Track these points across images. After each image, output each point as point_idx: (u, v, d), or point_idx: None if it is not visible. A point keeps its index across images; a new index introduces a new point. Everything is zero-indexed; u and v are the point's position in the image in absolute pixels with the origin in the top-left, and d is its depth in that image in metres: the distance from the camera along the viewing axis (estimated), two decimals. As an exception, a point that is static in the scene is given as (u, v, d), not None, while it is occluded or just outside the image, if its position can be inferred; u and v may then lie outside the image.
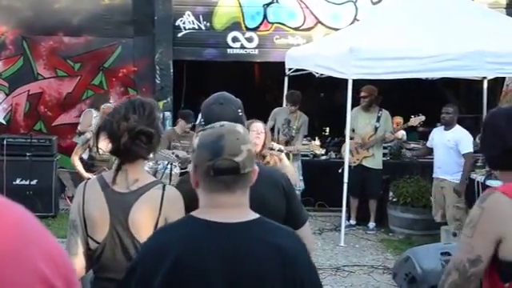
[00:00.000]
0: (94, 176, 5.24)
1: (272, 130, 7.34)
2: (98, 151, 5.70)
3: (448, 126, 6.64)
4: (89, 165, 6.06)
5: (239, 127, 1.93)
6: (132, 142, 2.43)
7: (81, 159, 6.15)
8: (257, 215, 1.85)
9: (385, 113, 7.81)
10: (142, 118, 2.46)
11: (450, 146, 6.55)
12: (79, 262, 2.44)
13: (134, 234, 2.42)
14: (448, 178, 6.57)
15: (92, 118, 7.50)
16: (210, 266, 1.73)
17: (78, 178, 5.82)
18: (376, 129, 7.71)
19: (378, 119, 7.73)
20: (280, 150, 3.34)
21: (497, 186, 1.92)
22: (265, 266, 1.75)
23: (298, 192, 6.23)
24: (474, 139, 6.21)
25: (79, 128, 7.83)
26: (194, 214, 1.86)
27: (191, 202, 2.20)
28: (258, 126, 4.20)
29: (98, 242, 2.44)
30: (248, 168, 1.82)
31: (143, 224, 2.42)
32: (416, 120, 7.62)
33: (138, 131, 2.43)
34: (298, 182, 7.03)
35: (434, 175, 6.85)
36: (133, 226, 2.43)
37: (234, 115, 2.59)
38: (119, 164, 2.50)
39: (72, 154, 6.21)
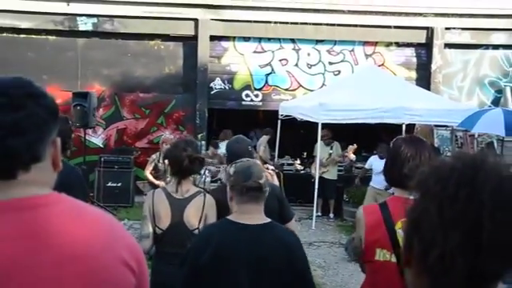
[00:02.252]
0: (161, 183, 5.39)
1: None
2: (159, 166, 5.89)
3: (382, 157, 6.61)
4: (155, 174, 6.06)
5: (257, 162, 2.00)
6: (190, 164, 2.48)
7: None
8: (269, 219, 1.82)
9: (336, 144, 7.92)
10: (193, 149, 2.53)
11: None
12: (149, 241, 2.44)
13: (187, 224, 2.44)
14: (382, 187, 6.43)
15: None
16: (238, 253, 1.70)
17: (149, 185, 5.85)
18: (330, 154, 7.80)
19: (331, 148, 7.84)
20: (273, 170, 3.44)
21: (364, 205, 1.88)
22: (275, 254, 1.72)
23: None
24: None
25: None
26: (229, 217, 1.82)
27: (217, 204, 2.42)
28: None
29: (161, 229, 2.44)
30: (266, 187, 1.83)
31: (192, 218, 2.44)
32: (351, 148, 7.65)
33: (195, 157, 2.49)
34: None
35: (372, 185, 6.78)
36: (186, 220, 2.45)
37: (246, 150, 2.67)
38: (179, 179, 2.49)
39: (145, 169, 6.24)
